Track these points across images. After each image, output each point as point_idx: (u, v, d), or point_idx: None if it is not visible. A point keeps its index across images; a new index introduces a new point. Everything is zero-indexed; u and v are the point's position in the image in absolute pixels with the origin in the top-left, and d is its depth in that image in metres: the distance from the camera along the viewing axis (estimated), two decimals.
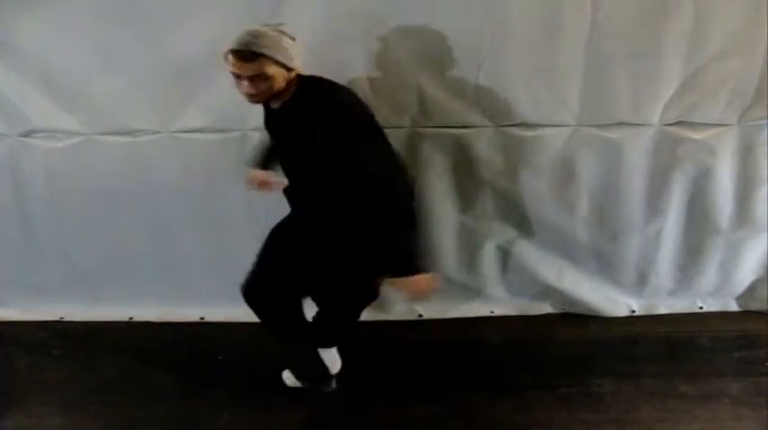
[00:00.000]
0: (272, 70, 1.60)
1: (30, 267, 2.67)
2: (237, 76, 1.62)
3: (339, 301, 2.07)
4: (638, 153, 2.30)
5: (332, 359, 2.19)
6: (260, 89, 1.63)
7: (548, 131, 2.25)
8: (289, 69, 1.65)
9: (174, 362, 2.40)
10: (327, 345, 2.17)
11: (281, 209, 2.43)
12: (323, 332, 2.15)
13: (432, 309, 2.63)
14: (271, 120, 1.82)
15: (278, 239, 1.99)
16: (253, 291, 1.95)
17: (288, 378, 2.21)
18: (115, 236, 2.56)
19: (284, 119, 1.72)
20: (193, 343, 2.52)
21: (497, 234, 2.51)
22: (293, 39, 1.67)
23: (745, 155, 2.30)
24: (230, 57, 1.60)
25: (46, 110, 2.32)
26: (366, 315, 2.15)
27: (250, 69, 1.59)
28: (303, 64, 2.21)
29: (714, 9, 2.04)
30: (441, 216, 2.44)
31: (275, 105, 1.74)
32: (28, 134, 2.38)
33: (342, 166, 1.60)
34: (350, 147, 1.59)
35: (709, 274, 2.56)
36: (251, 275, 1.97)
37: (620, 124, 2.25)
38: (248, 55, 1.57)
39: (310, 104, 1.65)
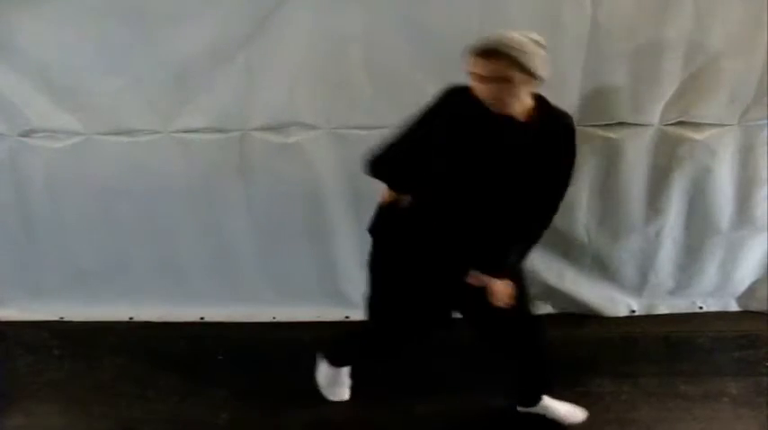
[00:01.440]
0: (514, 74, 1.47)
1: (30, 267, 2.67)
2: (477, 78, 1.50)
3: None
4: (638, 153, 2.29)
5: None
6: (499, 94, 1.51)
7: None
8: (534, 78, 1.51)
9: (174, 362, 2.40)
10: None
11: (281, 208, 2.45)
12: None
13: None
14: (500, 131, 1.58)
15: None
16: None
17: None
18: (115, 236, 2.56)
19: (530, 133, 1.58)
20: (193, 343, 2.53)
21: None
22: (543, 47, 1.53)
23: (745, 155, 2.30)
24: (470, 55, 1.47)
25: (46, 110, 2.31)
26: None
27: (490, 69, 1.47)
28: (304, 63, 2.24)
29: (714, 9, 2.04)
30: None
31: (518, 117, 1.58)
32: (28, 134, 2.38)
33: (555, 188, 1.67)
34: (569, 175, 1.66)
35: (709, 274, 2.56)
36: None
37: (620, 124, 2.25)
38: (489, 53, 1.45)
39: (558, 123, 1.61)
